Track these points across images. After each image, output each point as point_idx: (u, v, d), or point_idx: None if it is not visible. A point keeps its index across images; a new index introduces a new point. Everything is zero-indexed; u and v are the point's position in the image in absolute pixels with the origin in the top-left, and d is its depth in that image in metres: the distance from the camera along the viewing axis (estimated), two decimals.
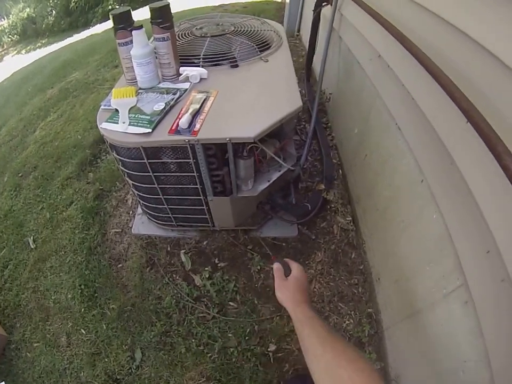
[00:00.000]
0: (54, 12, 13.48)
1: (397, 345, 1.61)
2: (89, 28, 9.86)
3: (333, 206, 2.33)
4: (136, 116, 1.56)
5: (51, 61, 6.57)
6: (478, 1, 1.03)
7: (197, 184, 1.73)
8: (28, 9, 14.11)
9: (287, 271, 1.10)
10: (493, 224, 0.94)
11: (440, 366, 1.24)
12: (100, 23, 10.29)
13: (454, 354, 1.15)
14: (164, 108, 1.58)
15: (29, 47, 11.88)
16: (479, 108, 0.90)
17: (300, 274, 1.08)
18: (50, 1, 13.42)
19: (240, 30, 2.16)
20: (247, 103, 1.67)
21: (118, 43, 1.68)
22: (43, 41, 12.09)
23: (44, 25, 13.38)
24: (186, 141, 1.48)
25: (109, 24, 7.80)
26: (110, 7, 11.63)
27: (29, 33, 13.66)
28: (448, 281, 1.19)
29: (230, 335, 1.84)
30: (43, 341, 1.96)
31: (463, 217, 1.11)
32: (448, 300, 1.19)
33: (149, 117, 1.54)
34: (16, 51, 12.15)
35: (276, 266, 1.13)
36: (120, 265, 2.21)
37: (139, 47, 1.62)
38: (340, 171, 2.60)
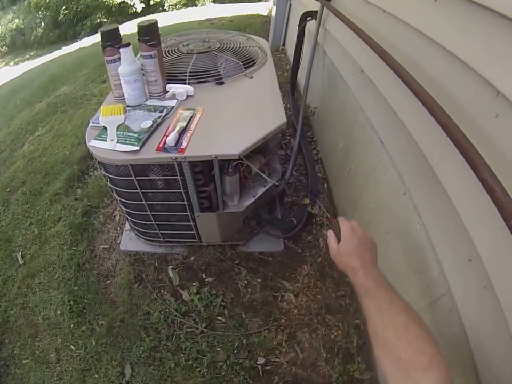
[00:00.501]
0: (42, 23, 13.53)
1: None
2: (77, 41, 9.88)
3: (318, 219, 2.35)
4: (124, 134, 1.59)
5: (39, 74, 6.56)
6: (460, 17, 1.08)
7: (184, 201, 1.75)
8: (16, 20, 14.12)
9: (338, 235, 1.06)
10: (474, 233, 0.98)
11: None
12: (88, 36, 10.32)
13: None
14: (151, 126, 1.61)
15: (17, 59, 11.88)
16: (460, 122, 0.93)
17: (349, 233, 1.03)
18: (39, 13, 13.45)
19: (226, 47, 2.19)
20: (232, 120, 1.71)
21: (106, 60, 1.71)
22: (31, 53, 12.11)
23: (32, 37, 13.41)
24: (174, 158, 1.51)
25: (97, 37, 7.84)
26: (98, 20, 11.72)
27: (17, 45, 13.67)
28: (432, 290, 1.22)
29: (218, 349, 1.84)
30: (32, 357, 1.94)
31: (445, 227, 1.15)
32: (433, 308, 1.22)
33: (136, 135, 1.57)
34: (4, 63, 12.13)
35: (328, 232, 1.09)
36: (108, 281, 2.20)
37: (126, 65, 1.65)
38: (325, 185, 2.63)
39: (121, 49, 1.62)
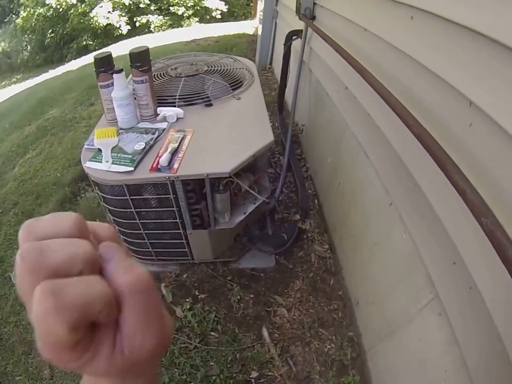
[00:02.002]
0: (29, 47, 13.55)
1: (379, 365, 1.63)
2: (64, 63, 9.88)
3: (309, 235, 2.39)
4: (119, 155, 1.64)
5: (27, 98, 6.54)
6: (434, 33, 1.15)
7: (176, 218, 1.79)
8: (2, 44, 14.11)
9: None
10: (455, 237, 1.03)
11: (422, 380, 1.28)
12: (75, 58, 10.34)
13: (434, 366, 1.19)
14: (144, 147, 1.67)
15: (3, 82, 11.82)
16: (437, 133, 1.00)
17: None
18: (25, 36, 13.47)
19: (213, 69, 2.26)
20: (221, 140, 1.78)
21: (100, 85, 1.77)
22: (18, 77, 12.08)
23: (19, 60, 13.42)
24: (167, 177, 1.57)
25: (84, 60, 7.90)
26: (84, 42, 11.77)
27: (3, 68, 13.65)
28: (421, 296, 1.25)
29: (212, 363, 1.84)
30: (25, 374, 1.93)
31: (429, 233, 1.20)
32: (423, 313, 1.25)
33: (130, 156, 1.62)
34: None
35: None
36: None
37: (119, 89, 1.71)
38: (316, 201, 2.67)
39: (114, 75, 1.68)
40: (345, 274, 2.09)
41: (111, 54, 1.75)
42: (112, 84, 1.72)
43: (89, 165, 1.64)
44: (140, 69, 1.72)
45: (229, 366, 1.84)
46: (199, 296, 2.12)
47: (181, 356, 1.88)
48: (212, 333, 1.97)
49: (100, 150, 1.68)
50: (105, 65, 1.73)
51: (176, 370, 1.83)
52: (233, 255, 2.26)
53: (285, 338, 1.93)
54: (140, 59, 1.73)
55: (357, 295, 1.92)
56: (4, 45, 13.99)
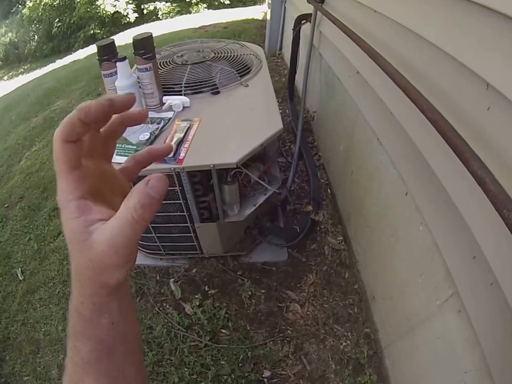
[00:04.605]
0: (36, 36, 13.51)
1: (397, 364, 1.58)
2: (71, 53, 9.84)
3: (322, 226, 2.33)
4: (123, 146, 1.57)
5: (34, 89, 6.52)
6: (448, 12, 1.05)
7: (183, 211, 1.73)
8: (10, 34, 14.10)
9: None
10: (475, 230, 0.95)
11: (442, 380, 1.22)
12: (82, 47, 10.27)
13: (454, 367, 1.14)
14: (149, 138, 1.60)
15: (11, 73, 11.84)
16: (453, 117, 0.91)
17: None
18: (32, 26, 13.44)
19: (220, 56, 2.18)
20: (229, 129, 1.70)
21: (103, 74, 1.71)
22: (25, 67, 12.08)
23: (26, 50, 13.39)
24: (172, 169, 1.49)
25: (91, 49, 7.84)
26: (91, 31, 11.68)
27: (11, 59, 13.64)
28: (440, 292, 1.19)
29: (223, 362, 1.80)
30: (33, 374, 1.91)
31: (448, 225, 1.12)
32: (443, 310, 1.19)
33: (135, 147, 1.56)
34: None
35: None
36: None
37: (123, 78, 1.64)
38: (329, 190, 2.60)
39: (117, 63, 1.61)
40: (360, 267, 2.03)
41: (114, 42, 1.69)
42: (116, 72, 1.66)
43: None
44: (143, 57, 1.65)
45: (240, 364, 1.79)
46: (209, 292, 2.08)
47: (191, 355, 1.84)
48: (223, 330, 1.93)
49: None
50: (108, 53, 1.67)
51: (186, 369, 1.79)
52: (243, 248, 2.20)
53: (299, 335, 1.88)
54: (144, 46, 1.66)
55: (373, 289, 1.85)
56: (11, 35, 13.95)
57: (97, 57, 1.69)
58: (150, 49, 1.67)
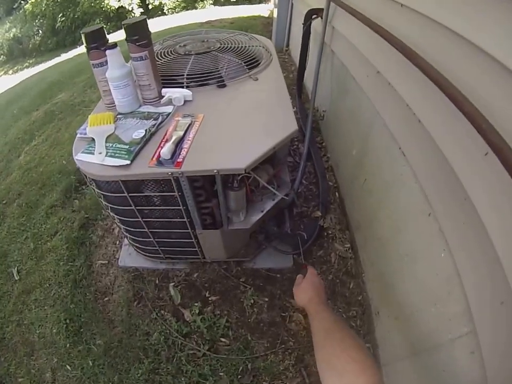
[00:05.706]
0: (40, 31, 13.55)
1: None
2: (76, 47, 9.80)
3: (330, 232, 2.23)
4: (114, 146, 1.40)
5: (37, 82, 6.51)
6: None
7: (184, 218, 1.59)
8: (14, 30, 14.17)
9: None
10: (510, 273, 0.81)
11: None
12: None
13: None
14: (144, 136, 1.43)
15: (16, 68, 11.91)
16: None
17: (310, 276, 1.23)
18: (36, 21, 13.43)
19: (227, 47, 2.03)
20: (236, 128, 1.52)
21: (92, 64, 1.54)
22: (30, 61, 12.13)
23: (30, 45, 13.44)
24: (169, 173, 1.32)
25: None
26: None
27: (16, 54, 13.72)
28: (454, 326, 1.09)
29: (221, 373, 1.75)
30: (28, 376, 1.88)
31: (476, 259, 0.97)
32: (453, 345, 1.09)
33: (127, 146, 1.38)
34: (3, 71, 12.18)
35: (298, 276, 1.31)
36: (106, 298, 2.11)
37: (115, 68, 1.48)
38: (337, 194, 2.48)
39: (107, 51, 1.44)
40: (366, 279, 1.93)
41: (103, 28, 1.51)
42: (106, 62, 1.48)
43: (81, 158, 1.41)
44: (137, 43, 1.47)
45: (239, 376, 1.75)
46: (209, 298, 2.01)
47: (189, 364, 1.80)
48: (222, 340, 1.87)
49: (93, 139, 1.46)
50: (97, 40, 1.49)
51: (183, 379, 1.77)
52: (248, 254, 2.09)
53: (300, 347, 1.81)
54: (137, 31, 1.47)
55: (378, 305, 1.76)
56: (15, 31, 14.01)
57: (84, 45, 1.52)
58: (145, 35, 1.50)
